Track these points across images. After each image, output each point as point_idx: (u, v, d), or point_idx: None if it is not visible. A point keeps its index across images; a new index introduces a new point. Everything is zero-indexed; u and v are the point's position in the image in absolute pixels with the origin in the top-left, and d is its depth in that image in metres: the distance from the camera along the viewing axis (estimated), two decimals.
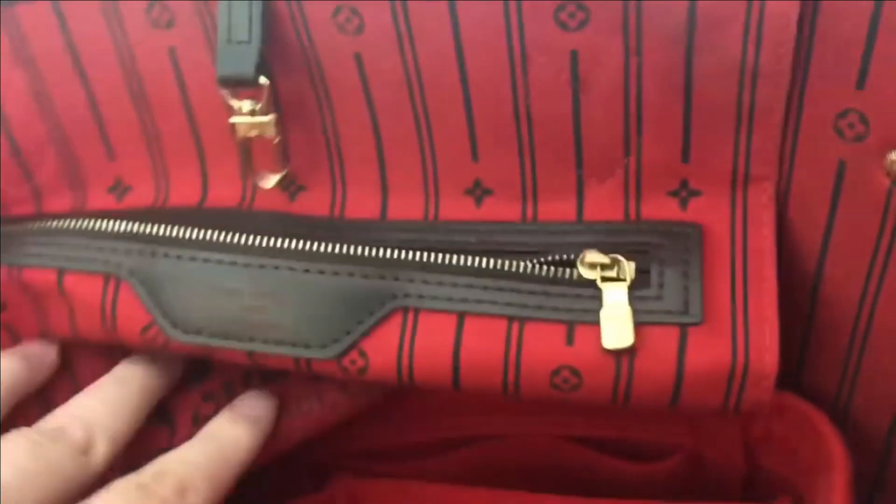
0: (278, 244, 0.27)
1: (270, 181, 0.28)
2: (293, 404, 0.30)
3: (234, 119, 0.26)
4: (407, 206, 0.28)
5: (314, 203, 0.28)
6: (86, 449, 0.26)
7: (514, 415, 0.31)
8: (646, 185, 0.26)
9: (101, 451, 0.26)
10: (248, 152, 0.27)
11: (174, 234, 0.27)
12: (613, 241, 0.26)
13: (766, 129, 0.25)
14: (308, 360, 0.26)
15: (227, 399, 0.30)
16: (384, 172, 0.28)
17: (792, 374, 0.29)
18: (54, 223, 0.28)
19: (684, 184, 0.26)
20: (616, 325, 0.25)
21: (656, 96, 0.25)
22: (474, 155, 0.27)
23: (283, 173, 0.28)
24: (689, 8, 0.23)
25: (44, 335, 0.30)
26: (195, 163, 0.29)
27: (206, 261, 0.27)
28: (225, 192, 0.29)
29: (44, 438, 0.25)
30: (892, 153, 0.24)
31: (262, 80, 0.26)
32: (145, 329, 0.27)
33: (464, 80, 0.25)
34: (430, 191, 0.27)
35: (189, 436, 0.28)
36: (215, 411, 0.29)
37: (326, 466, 0.32)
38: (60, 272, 0.28)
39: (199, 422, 0.29)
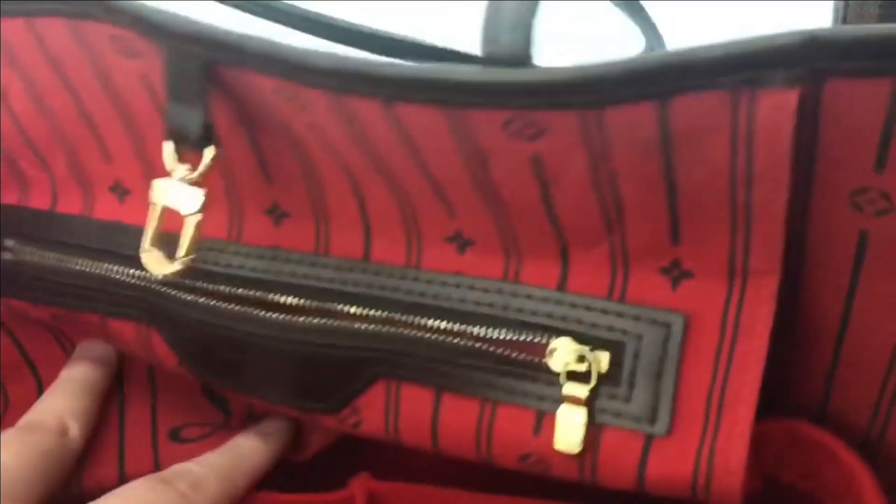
0: (266, 316, 0.27)
1: (161, 269, 0.26)
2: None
3: (156, 183, 0.25)
4: (390, 249, 0.26)
5: (299, 232, 0.27)
6: (62, 432, 0.30)
7: None
8: (633, 259, 0.24)
9: (75, 431, 0.30)
10: (161, 219, 0.26)
11: (185, 297, 0.28)
12: (592, 320, 0.24)
13: (768, 227, 0.21)
14: (311, 413, 0.28)
15: None
16: (365, 215, 0.26)
17: (817, 407, 0.27)
18: (84, 265, 0.30)
19: (676, 263, 0.23)
20: (568, 431, 0.24)
21: (634, 194, 0.22)
22: (451, 213, 0.25)
23: (184, 259, 0.25)
24: (658, 125, 0.20)
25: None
26: None
27: (220, 327, 0.28)
28: (215, 214, 0.28)
29: (25, 430, 0.29)
30: None
31: (210, 150, 0.24)
32: (178, 365, 0.29)
33: (423, 167, 0.23)
34: (412, 236, 0.26)
35: (242, 428, 0.31)
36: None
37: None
38: (103, 317, 0.30)
39: (252, 418, 0.32)
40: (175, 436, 0.32)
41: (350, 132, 0.23)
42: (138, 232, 0.29)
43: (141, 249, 0.26)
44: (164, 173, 0.28)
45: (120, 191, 0.30)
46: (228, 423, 0.33)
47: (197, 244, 0.25)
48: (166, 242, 0.26)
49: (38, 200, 0.31)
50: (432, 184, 0.23)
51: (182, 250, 0.25)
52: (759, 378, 0.23)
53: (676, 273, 0.23)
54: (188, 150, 0.24)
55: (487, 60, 0.20)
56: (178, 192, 0.25)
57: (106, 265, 0.29)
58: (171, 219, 0.25)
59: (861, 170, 0.20)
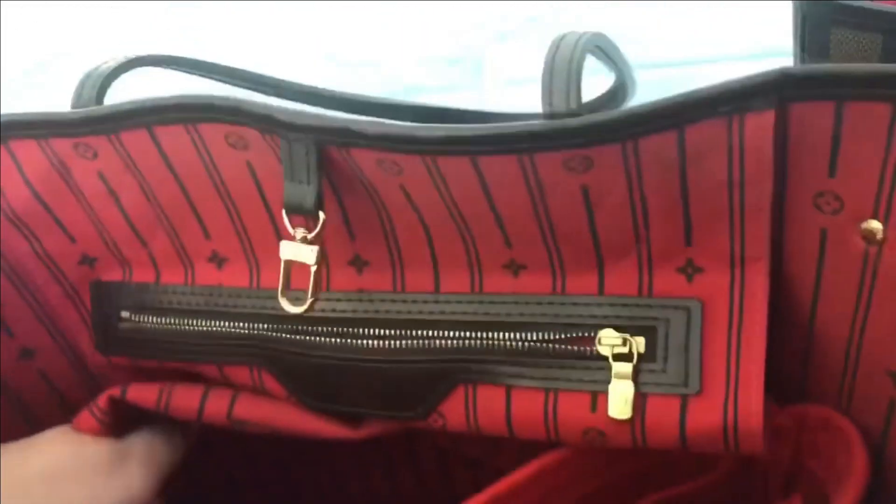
0: (365, 344, 0.33)
1: (296, 309, 0.32)
2: None
3: (283, 243, 0.32)
4: (456, 281, 0.33)
5: (379, 277, 0.34)
6: None
7: None
8: (656, 263, 0.31)
9: None
10: (288, 273, 0.32)
11: (290, 337, 0.35)
12: (628, 314, 0.31)
13: (757, 222, 0.29)
14: (404, 420, 0.34)
15: None
16: (434, 257, 0.33)
17: (797, 388, 0.34)
18: (206, 324, 0.36)
19: (689, 262, 0.30)
20: (619, 400, 0.30)
21: (658, 207, 0.29)
22: (508, 245, 0.31)
23: (311, 301, 0.32)
24: (678, 148, 0.27)
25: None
26: (277, 247, 0.34)
27: (320, 357, 0.34)
28: (306, 271, 0.34)
29: None
30: (866, 222, 0.28)
31: (321, 214, 0.31)
32: (287, 396, 0.36)
33: (492, 207, 0.30)
34: (474, 267, 0.32)
35: None
36: None
37: None
38: (220, 366, 0.36)
39: None
40: None
41: (435, 186, 0.29)
42: (237, 292, 0.35)
43: (279, 295, 0.32)
44: (259, 241, 0.34)
45: (218, 259, 0.36)
46: None
47: (318, 289, 0.32)
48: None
49: (142, 275, 0.37)
50: (497, 220, 0.30)
51: (309, 294, 0.32)
52: (763, 340, 0.29)
53: (690, 270, 0.30)
54: (303, 216, 0.31)
55: (546, 115, 0.27)
56: (299, 250, 0.31)
57: (216, 322, 0.35)
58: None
59: (819, 176, 0.28)
